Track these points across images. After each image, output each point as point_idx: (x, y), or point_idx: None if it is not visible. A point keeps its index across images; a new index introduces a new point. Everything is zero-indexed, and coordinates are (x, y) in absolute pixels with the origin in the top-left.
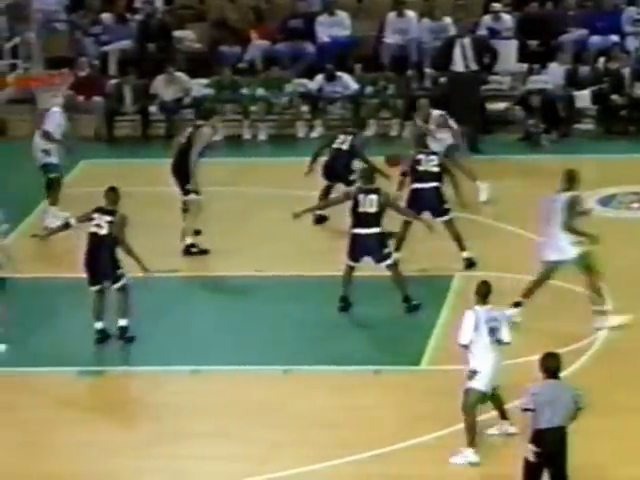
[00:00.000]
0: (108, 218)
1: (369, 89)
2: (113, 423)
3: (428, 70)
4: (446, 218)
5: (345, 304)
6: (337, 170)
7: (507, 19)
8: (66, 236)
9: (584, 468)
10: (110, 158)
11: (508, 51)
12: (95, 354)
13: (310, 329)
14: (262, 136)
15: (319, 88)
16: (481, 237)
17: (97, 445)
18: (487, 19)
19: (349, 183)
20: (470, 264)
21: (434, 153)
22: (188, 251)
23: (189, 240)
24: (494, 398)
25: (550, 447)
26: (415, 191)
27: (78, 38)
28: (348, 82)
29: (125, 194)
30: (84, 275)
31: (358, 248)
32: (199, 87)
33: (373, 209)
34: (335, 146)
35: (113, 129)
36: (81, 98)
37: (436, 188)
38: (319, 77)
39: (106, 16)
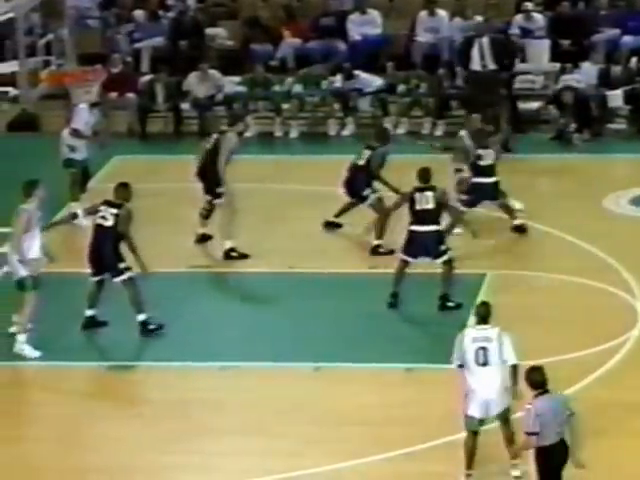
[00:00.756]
0: (114, 211)
1: (401, 87)
2: (142, 418)
3: (459, 69)
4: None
5: (395, 300)
6: (354, 186)
7: (539, 18)
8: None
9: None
10: (142, 154)
11: (540, 50)
12: (124, 349)
13: (342, 326)
14: (294, 134)
15: (342, 86)
16: (512, 235)
17: (126, 440)
18: (519, 18)
19: (363, 199)
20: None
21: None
22: (228, 255)
23: (228, 244)
24: (503, 427)
25: (557, 461)
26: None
27: (111, 35)
28: (367, 80)
29: (156, 190)
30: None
31: (416, 245)
32: (231, 84)
33: (430, 205)
34: (352, 161)
35: (146, 125)
36: (114, 95)
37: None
38: (339, 75)
39: (138, 13)
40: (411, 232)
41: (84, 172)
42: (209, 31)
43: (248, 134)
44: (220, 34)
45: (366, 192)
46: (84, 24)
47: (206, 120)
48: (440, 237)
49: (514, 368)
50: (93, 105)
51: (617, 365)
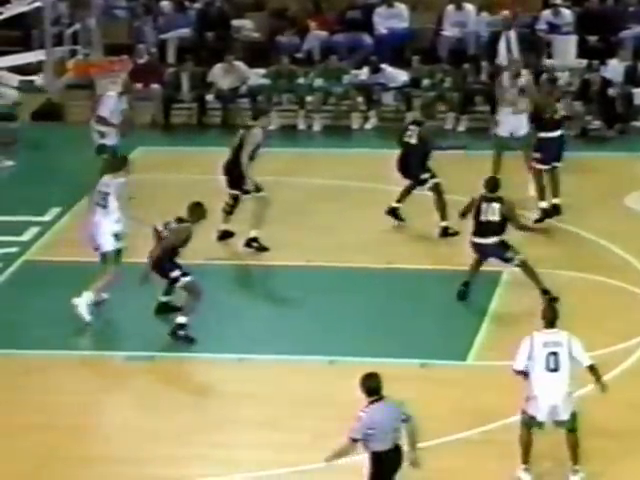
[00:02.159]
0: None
1: (425, 81)
2: (160, 409)
3: (485, 64)
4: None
5: (465, 290)
6: (409, 165)
7: (567, 14)
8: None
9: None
10: (166, 145)
11: (567, 46)
12: (144, 339)
13: (358, 320)
14: (317, 127)
15: (367, 80)
16: (535, 234)
17: (142, 430)
18: (547, 14)
19: (420, 182)
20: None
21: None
22: (249, 244)
23: (253, 233)
24: (568, 433)
25: (390, 467)
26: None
27: (138, 25)
28: (393, 74)
29: (179, 182)
30: (137, 260)
31: (480, 255)
32: (256, 76)
33: (495, 218)
34: (404, 139)
35: (170, 116)
36: (139, 85)
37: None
38: (365, 69)
39: (165, 4)
40: (472, 243)
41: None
42: (235, 22)
43: (271, 127)
44: (246, 26)
45: (424, 176)
46: (111, 14)
47: (230, 112)
48: (501, 247)
49: (591, 368)
50: (122, 93)
51: (635, 364)
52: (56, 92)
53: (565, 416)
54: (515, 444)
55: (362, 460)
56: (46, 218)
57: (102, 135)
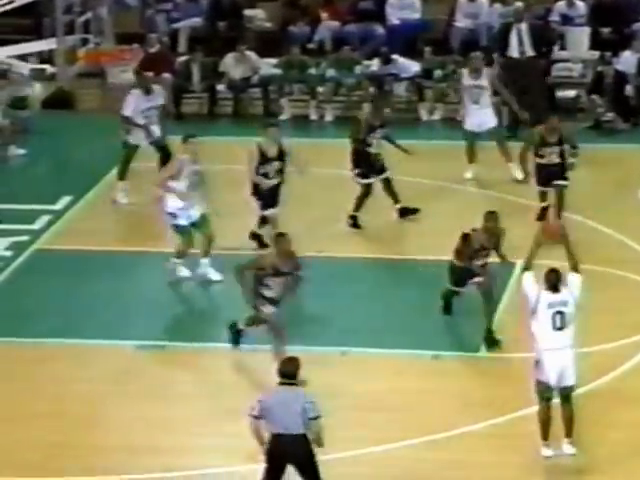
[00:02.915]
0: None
1: (437, 73)
2: (171, 398)
3: (496, 55)
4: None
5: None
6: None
7: (580, 5)
8: (130, 211)
9: None
10: (176, 135)
11: (580, 38)
12: (155, 328)
13: (370, 311)
14: (329, 117)
15: (378, 70)
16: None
17: (153, 420)
18: (560, 5)
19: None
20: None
21: None
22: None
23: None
24: (565, 403)
25: (282, 452)
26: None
27: (149, 14)
28: (405, 65)
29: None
30: (149, 249)
31: None
32: (267, 66)
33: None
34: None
35: (180, 106)
36: (150, 74)
37: None
38: (375, 60)
39: None
40: None
41: (164, 152)
42: (248, 12)
43: (283, 117)
44: (258, 15)
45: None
46: (123, 3)
47: (241, 102)
48: None
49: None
50: (148, 90)
51: None
52: (67, 81)
53: (571, 381)
54: (527, 437)
55: (366, 454)
56: (57, 207)
57: (127, 132)
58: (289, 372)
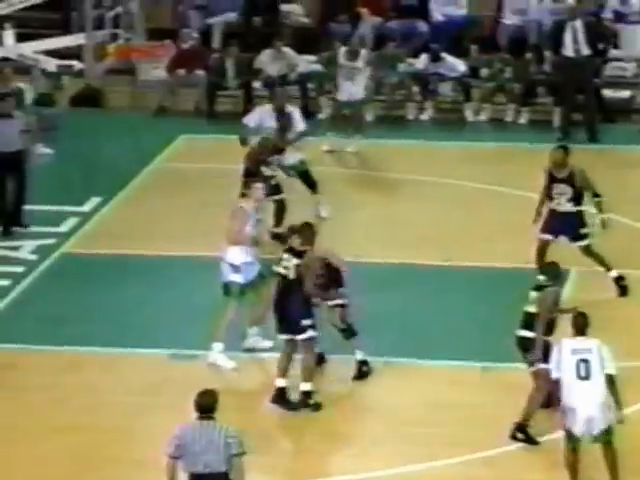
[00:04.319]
0: (296, 261)
1: (484, 71)
2: None
3: (547, 54)
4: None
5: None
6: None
7: (635, 2)
8: (161, 213)
9: None
10: (209, 134)
11: (634, 36)
12: (189, 336)
13: (412, 320)
14: (370, 117)
15: (424, 69)
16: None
17: None
18: (613, 2)
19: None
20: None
21: None
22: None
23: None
24: (604, 447)
25: None
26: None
27: (182, 9)
28: (454, 64)
29: (223, 172)
30: (183, 253)
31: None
32: (305, 63)
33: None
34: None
35: (214, 104)
36: (182, 71)
37: None
38: (423, 57)
39: None
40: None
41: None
42: (284, 7)
43: (321, 116)
44: (296, 10)
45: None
46: None
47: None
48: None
49: (610, 378)
50: (281, 111)
51: None
52: (96, 77)
53: (600, 428)
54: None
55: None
56: (85, 208)
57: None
58: (208, 405)
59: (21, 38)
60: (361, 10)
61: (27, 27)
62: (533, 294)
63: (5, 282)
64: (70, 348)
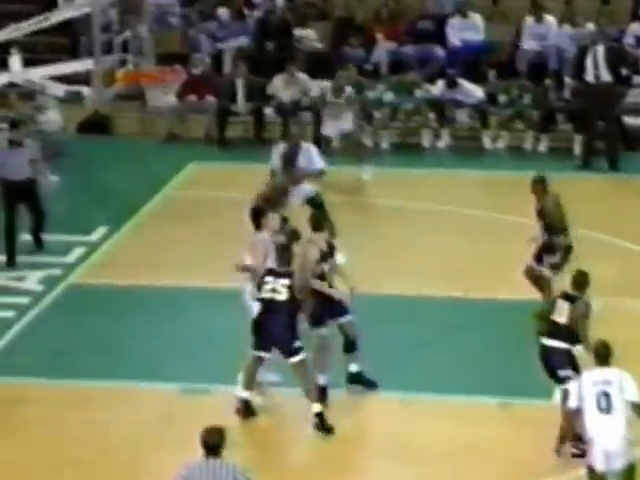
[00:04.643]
0: (286, 282)
1: (502, 98)
2: None
3: (567, 79)
4: None
5: None
6: None
7: None
8: (169, 243)
9: None
10: (220, 161)
11: None
12: (199, 370)
13: (428, 354)
14: (385, 144)
15: (440, 95)
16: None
17: None
18: (635, 27)
19: None
20: None
21: None
22: None
23: None
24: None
25: None
26: None
27: (192, 34)
28: (471, 90)
29: (233, 200)
30: (192, 284)
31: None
32: (319, 88)
33: (563, 319)
34: None
35: (225, 130)
36: (193, 97)
37: None
38: (440, 82)
39: (222, 11)
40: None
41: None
42: (297, 32)
43: (335, 144)
44: (309, 35)
45: None
46: (165, 22)
47: (290, 126)
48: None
49: (636, 406)
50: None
51: None
52: (104, 103)
53: (620, 464)
54: None
55: None
56: (93, 238)
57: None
58: (214, 443)
59: (28, 63)
60: (376, 34)
61: (34, 52)
62: (561, 303)
63: (10, 314)
64: (76, 381)
